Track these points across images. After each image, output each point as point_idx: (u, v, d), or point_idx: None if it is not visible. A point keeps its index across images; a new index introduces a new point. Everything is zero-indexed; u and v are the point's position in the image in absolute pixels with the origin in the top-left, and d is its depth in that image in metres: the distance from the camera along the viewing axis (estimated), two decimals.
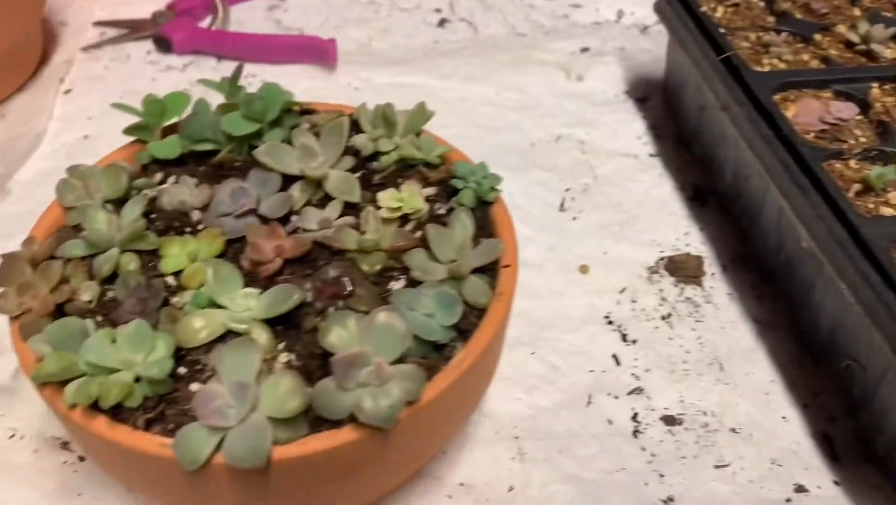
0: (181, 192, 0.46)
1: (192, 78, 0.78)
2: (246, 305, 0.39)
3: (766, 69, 0.61)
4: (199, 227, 0.45)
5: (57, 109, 0.74)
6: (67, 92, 0.76)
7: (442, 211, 0.46)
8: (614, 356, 0.54)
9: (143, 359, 0.36)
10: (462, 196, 0.45)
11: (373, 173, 0.48)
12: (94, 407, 0.35)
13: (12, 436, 0.49)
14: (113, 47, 0.82)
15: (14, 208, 0.64)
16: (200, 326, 0.38)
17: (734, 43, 0.63)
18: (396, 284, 0.42)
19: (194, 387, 0.37)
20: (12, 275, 0.40)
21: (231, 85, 0.50)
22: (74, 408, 0.36)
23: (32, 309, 0.39)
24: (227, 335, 0.39)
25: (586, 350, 0.55)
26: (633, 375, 0.53)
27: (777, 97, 0.58)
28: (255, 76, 0.77)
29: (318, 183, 0.46)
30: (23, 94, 0.76)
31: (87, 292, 0.41)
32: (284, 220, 0.45)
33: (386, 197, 0.45)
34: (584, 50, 0.82)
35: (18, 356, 0.38)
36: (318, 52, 0.76)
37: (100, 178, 0.45)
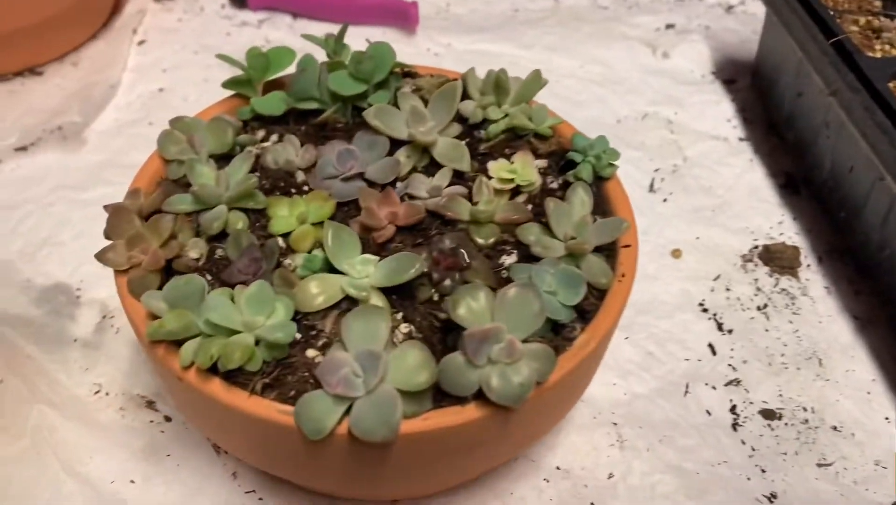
0: (287, 151, 0.44)
1: (267, 35, 0.76)
2: (365, 271, 0.37)
3: (879, 55, 0.59)
4: (304, 188, 0.43)
5: (131, 60, 0.72)
6: (141, 43, 0.74)
7: (554, 185, 0.44)
8: (710, 345, 0.53)
9: (264, 322, 0.34)
10: (580, 170, 0.43)
11: (478, 142, 0.46)
12: (209, 369, 0.34)
13: (97, 392, 0.48)
14: None
15: (91, 158, 0.63)
16: (317, 291, 0.37)
17: (843, 27, 0.61)
18: (508, 259, 0.40)
19: (311, 353, 0.36)
20: (121, 227, 0.38)
21: (337, 42, 0.48)
22: (189, 369, 0.34)
23: (141, 263, 0.38)
24: (342, 302, 0.37)
25: (681, 338, 0.53)
26: (729, 365, 0.52)
27: (893, 84, 0.55)
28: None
29: (423, 149, 0.45)
30: (96, 42, 0.74)
31: (196, 249, 0.39)
32: (391, 186, 0.43)
33: (497, 167, 0.43)
34: (669, 27, 0.80)
35: (127, 312, 0.37)
36: (400, 15, 0.74)
37: (205, 132, 0.44)
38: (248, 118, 0.47)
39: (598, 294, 0.39)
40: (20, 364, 0.49)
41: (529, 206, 0.43)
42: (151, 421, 0.47)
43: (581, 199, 0.42)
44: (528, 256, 0.40)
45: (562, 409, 0.40)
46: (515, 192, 0.44)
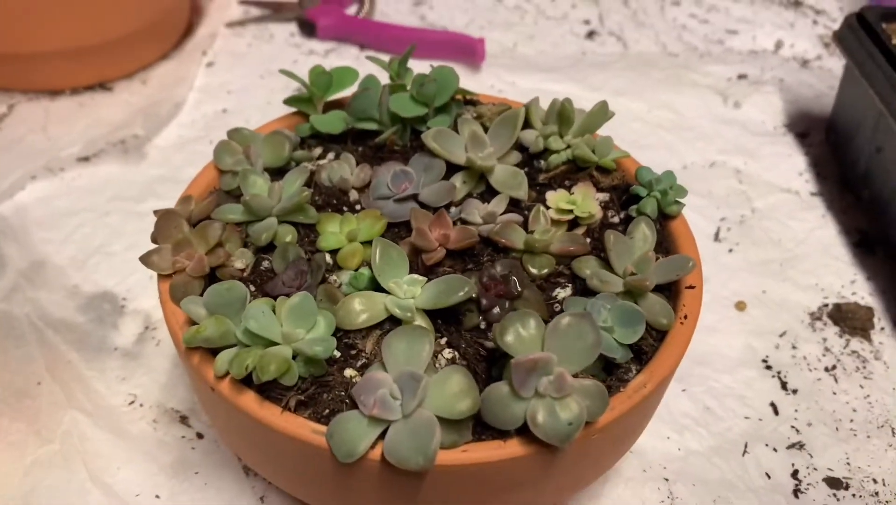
0: (342, 169, 0.43)
1: (332, 64, 0.75)
2: (412, 291, 0.35)
3: None
4: (357, 207, 0.42)
5: (198, 81, 0.73)
6: (210, 65, 0.75)
7: (615, 220, 0.42)
8: (773, 405, 0.49)
9: (304, 335, 0.33)
10: (644, 205, 0.41)
11: (537, 172, 0.45)
12: (244, 381, 0.33)
13: (131, 402, 0.47)
14: (257, 26, 0.81)
15: (150, 172, 0.63)
16: (360, 309, 0.35)
17: None
18: (562, 292, 0.38)
19: (348, 373, 0.34)
20: (168, 231, 0.38)
21: (401, 65, 0.47)
22: (223, 379, 0.33)
23: (186, 269, 0.37)
24: (385, 322, 0.36)
25: (742, 394, 0.50)
26: (793, 427, 0.48)
27: None
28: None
29: (480, 175, 0.43)
30: (166, 62, 0.75)
31: (242, 259, 0.38)
32: (444, 209, 0.42)
33: (556, 197, 0.42)
34: (742, 77, 0.77)
35: (167, 317, 0.36)
36: (466, 50, 0.74)
37: (262, 144, 0.43)
38: (307, 135, 0.46)
39: (657, 336, 0.37)
40: (60, 369, 0.48)
41: (587, 240, 0.41)
42: (183, 436, 0.45)
43: (643, 234, 0.40)
44: (583, 291, 0.38)
45: (611, 456, 0.38)
46: (573, 224, 0.42)
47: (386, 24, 0.79)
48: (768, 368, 0.51)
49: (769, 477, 0.45)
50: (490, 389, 0.31)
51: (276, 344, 0.33)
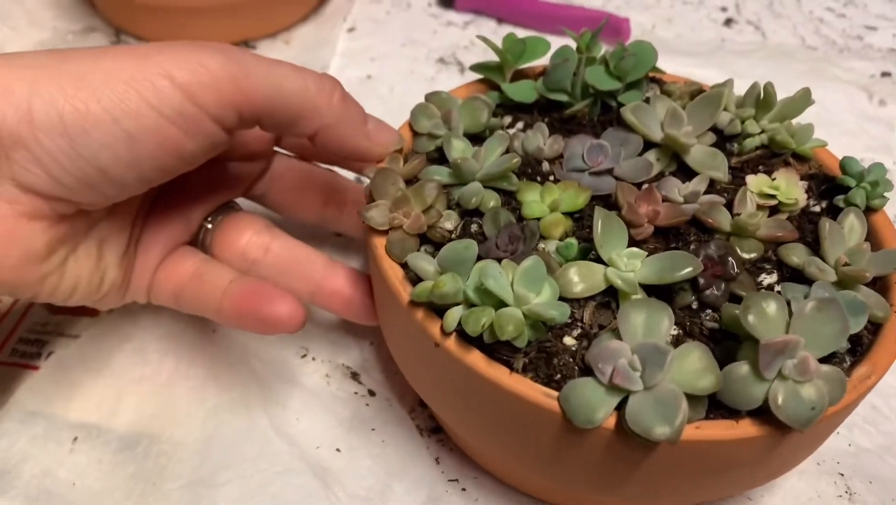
0: (537, 138, 0.43)
1: (471, 36, 0.76)
2: (632, 265, 0.35)
3: None
4: (550, 178, 0.42)
5: (340, 45, 0.74)
6: (351, 30, 0.76)
7: (817, 209, 0.42)
8: None
9: (534, 299, 0.33)
10: (853, 195, 0.40)
11: (729, 155, 0.44)
12: (468, 340, 0.33)
13: (304, 356, 0.48)
14: None
15: None
16: (578, 279, 0.35)
17: None
18: (768, 278, 0.38)
19: (568, 341, 0.34)
20: (387, 188, 0.38)
21: (593, 37, 0.47)
22: (448, 336, 0.33)
23: (403, 226, 0.37)
24: (599, 295, 0.36)
25: None
26: None
27: None
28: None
29: (674, 154, 0.43)
30: (307, 24, 0.76)
31: (450, 221, 0.38)
32: (638, 186, 0.41)
33: (758, 181, 0.41)
34: (885, 74, 0.76)
35: (385, 271, 0.36)
36: (611, 30, 0.73)
37: (462, 109, 0.43)
38: (497, 103, 0.46)
39: (870, 328, 0.36)
40: None
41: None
42: (356, 393, 0.46)
43: (852, 225, 0.39)
44: (789, 278, 0.38)
45: (816, 443, 0.37)
46: (773, 210, 0.41)
47: None
48: None
49: None
50: (730, 369, 0.31)
51: (505, 306, 0.33)
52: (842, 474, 0.44)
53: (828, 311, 0.31)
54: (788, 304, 0.32)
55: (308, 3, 0.77)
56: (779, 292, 0.36)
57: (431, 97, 0.44)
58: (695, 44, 0.77)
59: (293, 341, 0.48)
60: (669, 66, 0.73)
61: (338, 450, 0.43)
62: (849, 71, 0.76)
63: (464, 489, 0.42)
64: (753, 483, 0.37)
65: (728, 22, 0.81)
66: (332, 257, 0.44)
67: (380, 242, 0.37)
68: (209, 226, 0.44)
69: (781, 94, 0.70)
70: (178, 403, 0.45)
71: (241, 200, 0.47)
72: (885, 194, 0.41)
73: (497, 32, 0.77)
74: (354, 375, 0.47)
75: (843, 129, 0.69)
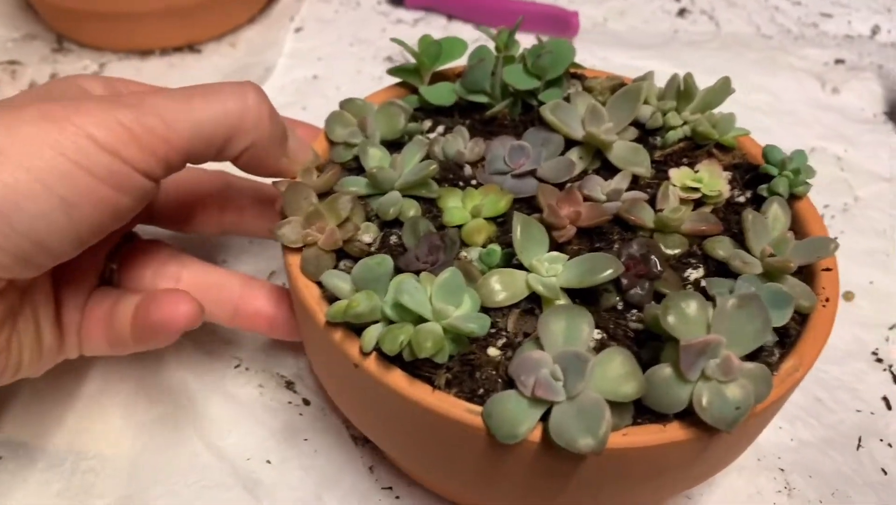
0: (457, 142, 0.42)
1: (421, 34, 0.74)
2: (554, 269, 0.35)
3: None
4: (472, 182, 0.41)
5: (287, 46, 0.72)
6: (298, 30, 0.75)
7: (741, 199, 0.41)
8: (885, 399, 0.48)
9: (454, 312, 0.32)
10: (776, 184, 0.40)
11: (652, 149, 0.43)
12: (388, 358, 0.32)
13: (237, 366, 0.47)
14: None
15: None
16: (500, 287, 0.34)
17: None
18: (694, 273, 0.37)
19: (492, 352, 0.33)
20: (298, 203, 0.37)
21: (510, 36, 0.46)
22: (367, 356, 0.33)
23: (317, 243, 0.36)
24: (523, 302, 0.35)
25: (853, 387, 0.49)
26: None
27: None
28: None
29: (596, 151, 0.42)
30: (254, 26, 0.75)
31: (368, 233, 0.37)
32: (560, 186, 0.40)
33: (681, 175, 0.40)
34: (839, 62, 0.75)
35: (300, 290, 0.35)
36: (559, 23, 0.72)
37: (377, 116, 0.42)
38: (415, 107, 0.45)
39: (797, 319, 0.36)
40: None
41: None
42: (290, 402, 0.45)
43: (776, 214, 0.39)
44: (715, 272, 0.37)
45: (748, 441, 0.37)
46: (698, 203, 0.41)
47: None
48: (879, 361, 0.50)
49: (885, 473, 0.44)
50: (652, 372, 0.30)
51: (425, 321, 0.32)
52: (782, 470, 0.44)
53: (748, 307, 0.31)
54: (714, 300, 0.31)
55: (255, 4, 0.76)
56: (704, 288, 0.36)
57: (346, 104, 0.43)
58: (648, 35, 0.77)
59: (226, 352, 0.47)
60: (620, 58, 0.73)
61: (268, 462, 0.42)
62: (803, 59, 0.75)
63: (398, 497, 0.41)
64: (689, 484, 0.37)
65: (682, 12, 0.81)
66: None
67: (294, 261, 0.36)
68: (114, 266, 0.42)
69: (735, 84, 0.70)
70: (107, 418, 0.44)
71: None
72: (808, 181, 0.41)
73: (447, 29, 0.76)
74: (289, 385, 0.46)
75: (797, 118, 0.69)
